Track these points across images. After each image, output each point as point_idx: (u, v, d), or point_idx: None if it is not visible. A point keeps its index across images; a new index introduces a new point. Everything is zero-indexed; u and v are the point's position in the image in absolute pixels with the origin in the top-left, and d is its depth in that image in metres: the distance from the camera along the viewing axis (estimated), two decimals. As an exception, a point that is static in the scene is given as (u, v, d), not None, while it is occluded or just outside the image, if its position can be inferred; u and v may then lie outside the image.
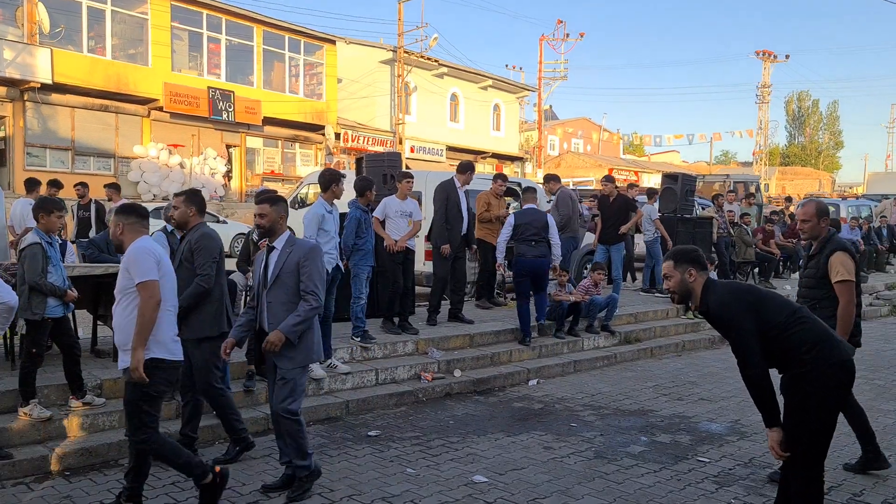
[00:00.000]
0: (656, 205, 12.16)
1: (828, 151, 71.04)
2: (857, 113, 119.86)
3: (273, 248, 4.53)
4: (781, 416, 3.66)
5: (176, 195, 5.22)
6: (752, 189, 23.80)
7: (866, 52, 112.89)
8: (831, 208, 21.28)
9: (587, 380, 7.98)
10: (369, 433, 5.89)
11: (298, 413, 4.49)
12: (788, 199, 20.89)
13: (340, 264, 6.85)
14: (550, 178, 10.87)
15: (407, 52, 31.02)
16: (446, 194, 8.66)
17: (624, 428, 6.16)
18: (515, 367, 7.93)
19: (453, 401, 6.99)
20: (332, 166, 23.77)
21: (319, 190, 6.76)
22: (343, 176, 6.87)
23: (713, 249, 12.36)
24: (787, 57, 50.40)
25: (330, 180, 6.69)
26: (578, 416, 6.49)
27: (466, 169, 8.94)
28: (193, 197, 5.12)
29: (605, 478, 4.96)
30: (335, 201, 6.73)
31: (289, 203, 17.84)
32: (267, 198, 4.58)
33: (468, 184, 8.88)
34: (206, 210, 5.57)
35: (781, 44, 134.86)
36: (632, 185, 13.08)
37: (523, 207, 8.89)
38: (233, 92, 24.58)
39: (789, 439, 3.61)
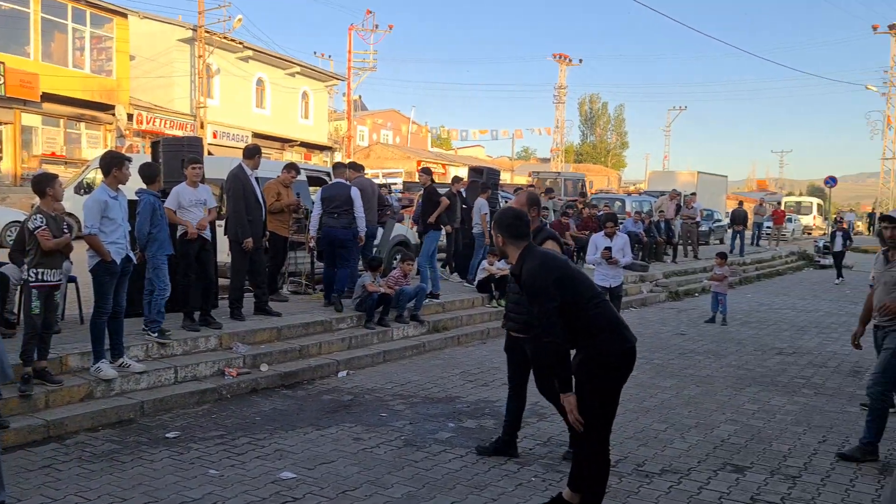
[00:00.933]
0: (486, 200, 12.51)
1: (615, 150, 77.46)
2: (641, 116, 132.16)
3: None
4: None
5: None
6: (580, 186, 26.68)
7: (648, 61, 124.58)
8: (618, 203, 23.22)
9: (397, 369, 8.05)
10: (167, 435, 5.52)
11: None
12: (583, 195, 22.43)
13: (132, 255, 6.33)
14: (351, 167, 10.87)
15: (208, 32, 29.47)
16: (241, 184, 8.21)
17: (432, 415, 6.28)
18: (325, 360, 7.81)
19: (260, 396, 6.75)
20: (123, 150, 22.00)
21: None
22: (128, 159, 6.31)
23: None
24: (580, 61, 54.65)
25: (111, 164, 6.13)
26: (388, 406, 6.52)
27: (254, 153, 8.49)
28: None
29: (414, 465, 5.03)
30: (121, 187, 6.20)
31: (73, 188, 16.20)
32: None
33: (257, 168, 8.54)
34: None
35: (576, 48, 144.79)
36: (457, 179, 13.33)
37: (332, 181, 9.29)
38: (3, 63, 21.88)
39: (583, 416, 3.85)
